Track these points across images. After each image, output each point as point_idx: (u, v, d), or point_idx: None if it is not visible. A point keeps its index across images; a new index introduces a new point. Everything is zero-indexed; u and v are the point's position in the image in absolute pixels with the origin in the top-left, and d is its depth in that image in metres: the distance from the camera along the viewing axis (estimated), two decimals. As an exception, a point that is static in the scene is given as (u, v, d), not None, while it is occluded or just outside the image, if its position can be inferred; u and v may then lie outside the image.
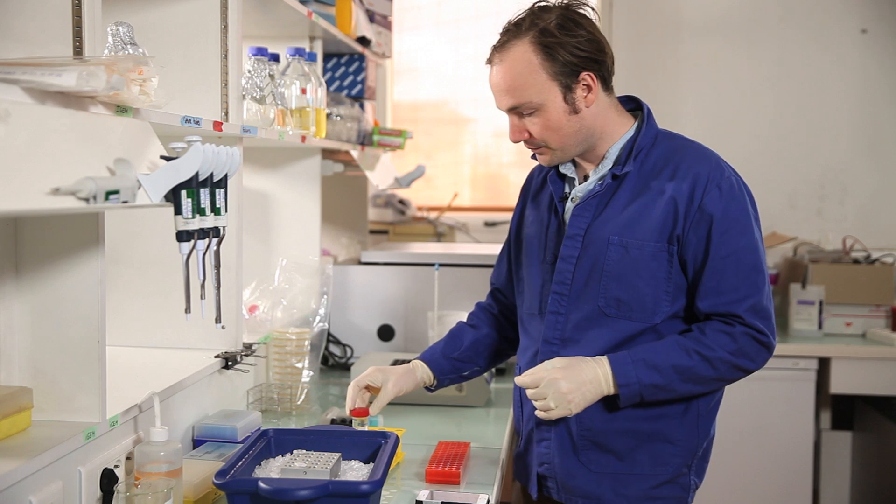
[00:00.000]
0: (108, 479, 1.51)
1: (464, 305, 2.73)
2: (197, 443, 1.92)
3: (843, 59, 4.05)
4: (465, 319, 2.11)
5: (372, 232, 3.98)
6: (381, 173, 3.21)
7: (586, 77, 1.73)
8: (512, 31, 1.75)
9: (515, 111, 1.77)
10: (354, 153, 2.92)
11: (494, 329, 2.06)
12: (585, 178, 1.86)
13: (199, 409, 1.97)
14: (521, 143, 1.82)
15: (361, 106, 3.09)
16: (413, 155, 4.21)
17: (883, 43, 4.02)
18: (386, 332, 2.82)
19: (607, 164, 1.81)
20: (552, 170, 1.89)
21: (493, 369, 2.64)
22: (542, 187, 1.95)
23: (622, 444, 1.80)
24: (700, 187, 1.74)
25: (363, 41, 3.02)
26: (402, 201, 4.15)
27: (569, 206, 1.85)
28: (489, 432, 2.21)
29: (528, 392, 1.74)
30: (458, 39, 4.37)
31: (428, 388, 2.00)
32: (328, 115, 2.64)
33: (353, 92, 3.12)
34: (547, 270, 1.86)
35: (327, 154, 2.90)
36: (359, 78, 3.11)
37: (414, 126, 4.18)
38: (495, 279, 2.10)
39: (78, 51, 1.38)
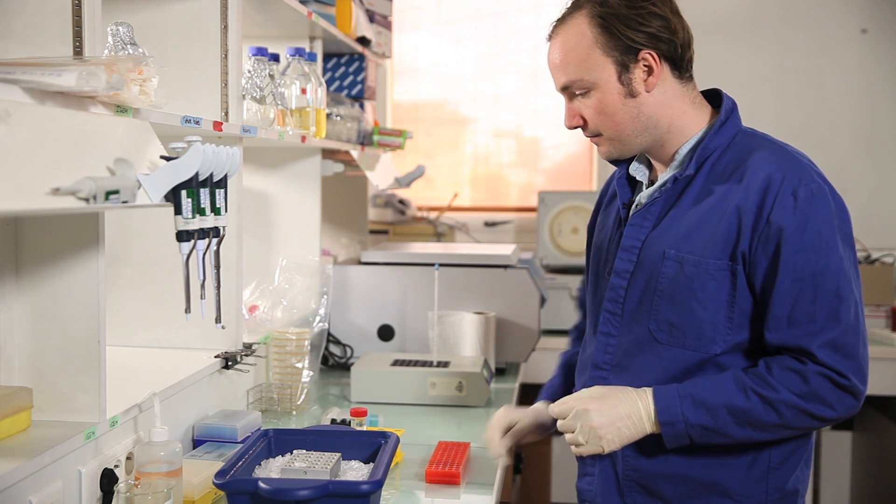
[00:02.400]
0: (108, 479, 1.50)
1: (464, 305, 2.73)
2: (197, 443, 1.91)
3: (843, 58, 4.05)
4: (566, 347, 1.95)
5: (372, 232, 3.98)
6: (381, 173, 3.21)
7: (647, 56, 1.53)
8: (572, 5, 1.58)
9: (568, 91, 1.59)
10: (354, 153, 2.92)
11: None
12: (653, 183, 1.65)
13: (199, 409, 1.97)
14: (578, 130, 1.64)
15: (361, 106, 3.09)
16: (413, 155, 4.21)
17: (883, 43, 4.02)
18: (386, 332, 2.82)
19: (674, 167, 1.60)
20: (623, 171, 1.70)
21: (493, 369, 2.64)
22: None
23: (673, 492, 1.56)
24: (771, 195, 1.47)
25: (363, 41, 3.02)
26: (402, 201, 4.15)
27: (632, 212, 1.65)
28: (489, 432, 2.21)
29: (558, 423, 1.56)
30: (458, 39, 4.37)
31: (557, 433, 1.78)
32: (328, 115, 2.64)
33: (353, 92, 3.12)
34: (604, 286, 1.65)
35: (327, 154, 2.90)
36: (359, 78, 3.11)
37: (414, 126, 4.18)
38: (580, 291, 1.92)
39: (78, 51, 1.38)
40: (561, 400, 1.58)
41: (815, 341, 1.45)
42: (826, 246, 1.46)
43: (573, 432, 1.53)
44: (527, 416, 1.77)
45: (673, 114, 1.58)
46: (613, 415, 1.51)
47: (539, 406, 1.79)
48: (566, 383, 1.82)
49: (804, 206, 1.46)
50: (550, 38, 1.61)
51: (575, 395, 1.57)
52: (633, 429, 1.51)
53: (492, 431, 1.77)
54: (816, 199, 1.47)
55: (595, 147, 1.68)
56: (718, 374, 1.51)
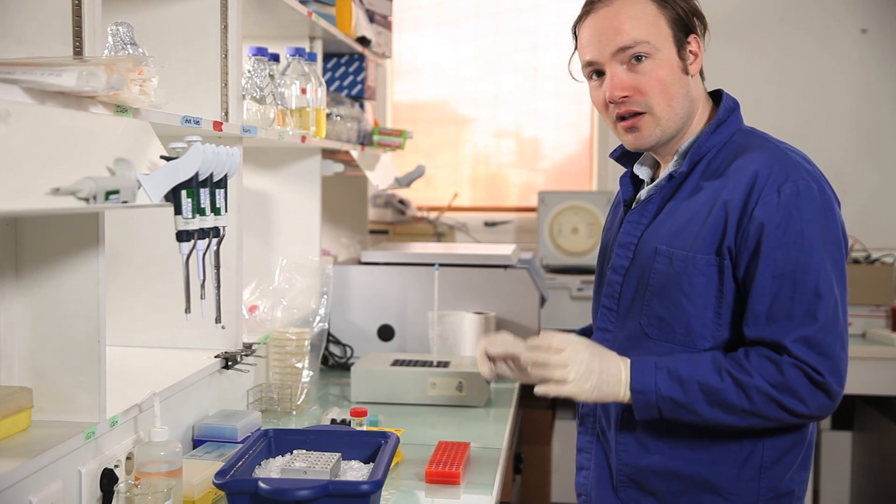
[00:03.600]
0: (108, 479, 1.50)
1: (464, 305, 2.73)
2: (197, 443, 1.91)
3: (843, 58, 4.05)
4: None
5: (372, 232, 3.98)
6: (381, 173, 3.21)
7: (693, 41, 1.56)
8: None
9: (623, 54, 1.53)
10: (354, 153, 2.92)
11: None
12: (654, 181, 1.66)
13: (199, 409, 1.97)
14: (615, 107, 1.57)
15: (361, 106, 3.09)
16: (413, 155, 4.21)
17: (883, 43, 4.02)
18: (386, 332, 2.82)
19: (673, 165, 1.61)
20: (628, 170, 1.71)
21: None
22: None
23: (664, 488, 1.56)
24: (757, 190, 1.47)
25: (363, 41, 3.02)
26: (402, 201, 4.15)
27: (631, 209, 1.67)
28: (489, 432, 2.21)
29: (552, 357, 1.50)
30: (458, 39, 4.37)
31: None
32: (328, 115, 2.64)
33: (353, 92, 3.12)
34: (605, 281, 1.67)
35: (327, 154, 2.90)
36: (359, 78, 3.11)
37: (414, 126, 4.18)
38: None
39: (78, 51, 1.38)
40: (553, 335, 1.54)
41: (789, 336, 1.44)
42: (808, 243, 1.45)
43: (566, 367, 1.49)
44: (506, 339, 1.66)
45: (696, 105, 1.60)
46: (603, 366, 1.49)
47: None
48: None
49: (788, 203, 1.45)
50: (593, 8, 1.57)
51: (563, 336, 1.54)
52: (612, 387, 1.50)
53: (478, 355, 1.68)
54: (802, 197, 1.46)
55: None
56: (696, 354, 1.51)
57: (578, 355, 1.50)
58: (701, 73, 1.62)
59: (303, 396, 2.31)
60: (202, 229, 1.52)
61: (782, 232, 1.45)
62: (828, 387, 1.44)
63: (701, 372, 1.47)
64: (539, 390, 1.53)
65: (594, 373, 1.50)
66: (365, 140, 3.04)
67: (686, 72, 1.56)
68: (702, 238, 1.51)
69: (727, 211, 1.49)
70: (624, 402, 1.52)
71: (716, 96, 1.65)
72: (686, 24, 1.55)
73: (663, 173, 1.62)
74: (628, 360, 1.52)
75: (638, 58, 1.53)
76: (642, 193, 1.65)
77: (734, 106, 1.61)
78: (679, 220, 1.55)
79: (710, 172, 1.55)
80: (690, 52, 1.56)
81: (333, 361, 2.82)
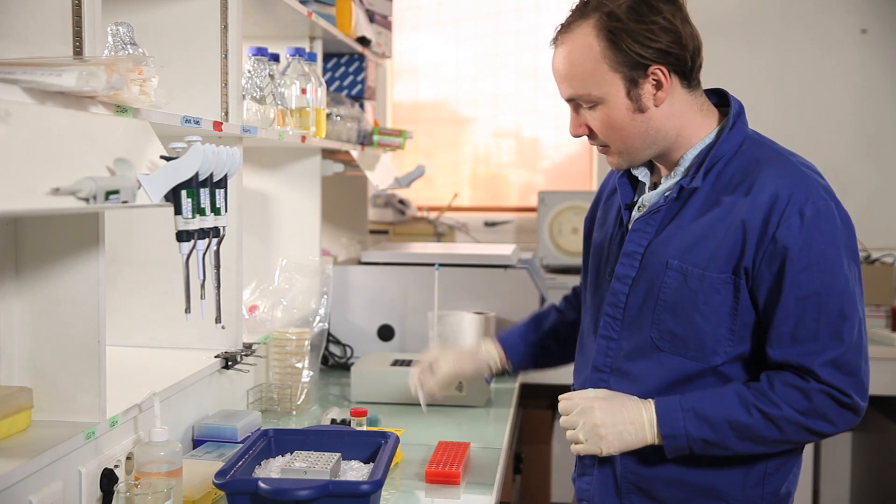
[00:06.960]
0: (108, 479, 1.50)
1: (464, 305, 2.73)
2: (197, 443, 1.92)
3: (843, 58, 4.05)
4: (470, 313, 2.02)
5: (372, 232, 3.98)
6: (381, 173, 3.21)
7: (656, 72, 1.49)
8: (578, 10, 1.53)
9: (574, 102, 1.56)
10: (354, 153, 2.92)
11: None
12: (656, 185, 1.63)
13: (199, 409, 1.97)
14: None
15: (361, 106, 3.09)
16: (413, 155, 4.21)
17: (883, 43, 4.02)
18: (386, 332, 2.82)
19: (680, 173, 1.57)
20: (624, 171, 1.68)
21: (493, 369, 2.64)
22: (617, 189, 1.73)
23: (670, 495, 1.57)
24: (777, 212, 1.45)
25: (363, 41, 3.02)
26: (402, 201, 4.15)
27: (634, 215, 1.63)
28: (489, 432, 2.21)
29: (561, 420, 1.56)
30: (458, 39, 4.37)
31: (506, 373, 1.95)
32: (328, 115, 2.64)
33: (353, 92, 3.12)
34: (605, 287, 1.64)
35: (327, 154, 2.90)
36: (359, 78, 3.11)
37: (414, 126, 4.18)
38: (581, 281, 1.89)
39: (78, 51, 1.38)
40: (566, 395, 1.58)
41: (817, 360, 1.46)
42: (831, 265, 1.45)
43: (575, 429, 1.53)
44: (454, 364, 1.91)
45: (682, 124, 1.55)
46: (618, 417, 1.51)
47: (481, 348, 1.95)
48: (524, 335, 1.96)
49: (810, 225, 1.45)
50: (555, 43, 1.57)
51: (581, 392, 1.57)
52: (634, 435, 1.51)
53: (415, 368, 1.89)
54: (822, 218, 1.45)
55: (596, 148, 1.67)
56: (721, 389, 1.51)
57: (584, 416, 1.52)
58: (698, 80, 1.57)
59: (303, 396, 2.31)
60: (202, 229, 1.52)
61: (806, 254, 1.45)
62: (854, 405, 1.48)
63: (729, 410, 1.48)
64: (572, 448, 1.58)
65: (608, 426, 1.51)
66: (365, 140, 3.04)
67: (641, 110, 1.52)
68: (718, 255, 1.49)
69: (745, 231, 1.47)
70: (653, 444, 1.53)
71: (716, 92, 1.63)
72: (640, 62, 1.49)
73: (667, 181, 1.60)
74: (651, 402, 1.52)
75: (585, 105, 1.55)
76: (645, 198, 1.62)
77: (740, 110, 1.58)
78: (692, 235, 1.53)
79: (721, 185, 1.53)
80: (654, 81, 1.50)
81: (333, 361, 2.82)
